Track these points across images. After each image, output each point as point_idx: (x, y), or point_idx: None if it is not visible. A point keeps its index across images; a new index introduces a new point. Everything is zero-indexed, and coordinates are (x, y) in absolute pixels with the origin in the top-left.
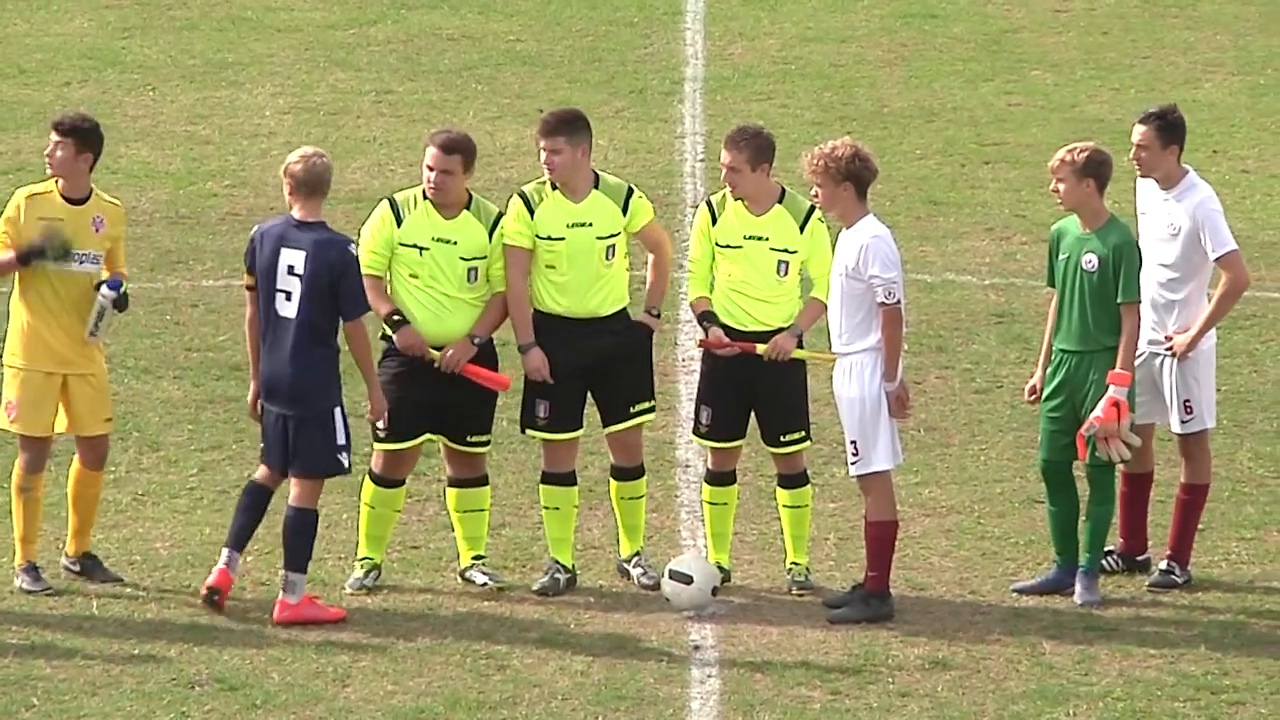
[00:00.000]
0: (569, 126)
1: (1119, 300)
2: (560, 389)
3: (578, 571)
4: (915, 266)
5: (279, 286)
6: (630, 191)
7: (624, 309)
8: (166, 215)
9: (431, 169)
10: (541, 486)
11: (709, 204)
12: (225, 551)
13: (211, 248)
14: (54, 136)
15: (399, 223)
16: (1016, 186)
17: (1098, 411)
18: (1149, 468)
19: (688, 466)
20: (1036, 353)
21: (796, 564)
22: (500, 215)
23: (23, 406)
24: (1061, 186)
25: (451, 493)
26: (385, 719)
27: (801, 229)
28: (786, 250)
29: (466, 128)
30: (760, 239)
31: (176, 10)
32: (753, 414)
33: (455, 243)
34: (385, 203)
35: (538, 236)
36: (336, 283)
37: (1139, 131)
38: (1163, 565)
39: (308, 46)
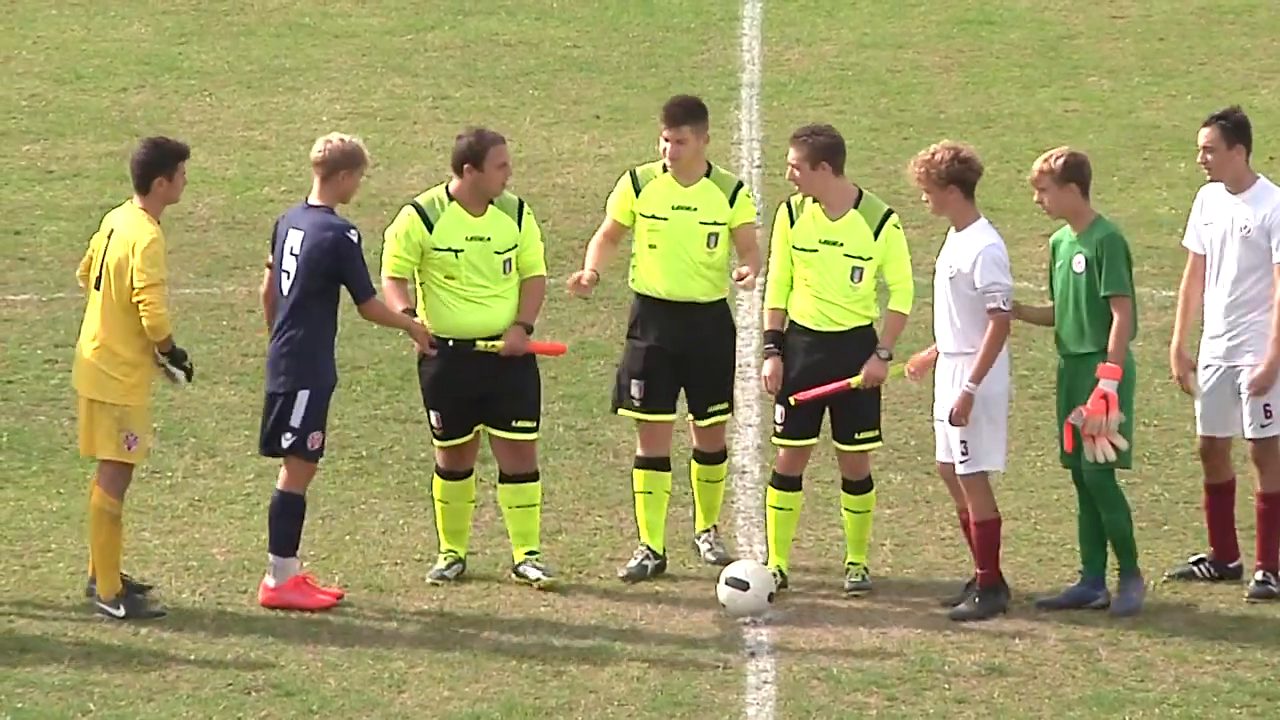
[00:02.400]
0: (693, 115)
1: (1103, 293)
2: (654, 370)
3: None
4: None
5: (284, 267)
6: (740, 186)
7: (723, 299)
8: (223, 220)
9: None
10: (635, 471)
11: (788, 206)
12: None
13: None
14: (184, 166)
15: (430, 228)
16: None
17: (1087, 404)
18: (1227, 477)
19: (744, 472)
20: None
21: (855, 563)
22: (521, 203)
23: (143, 438)
24: (1046, 198)
25: (502, 488)
26: None
27: (876, 235)
28: (860, 257)
29: (523, 134)
30: (835, 244)
31: (234, 16)
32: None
33: (489, 239)
34: (410, 208)
35: (641, 214)
36: (339, 268)
37: (1204, 134)
38: (1259, 576)
39: (365, 52)
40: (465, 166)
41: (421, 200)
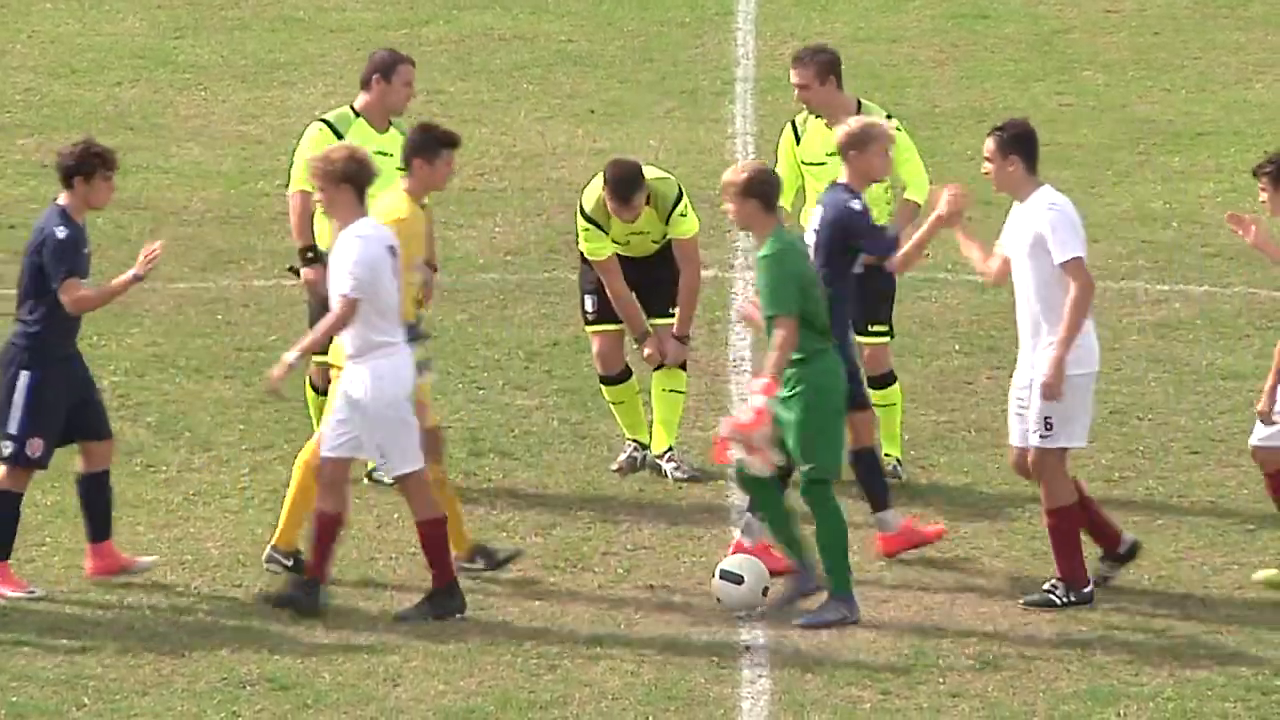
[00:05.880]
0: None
1: (767, 313)
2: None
3: (630, 570)
4: (968, 267)
5: None
6: (679, 198)
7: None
8: (218, 215)
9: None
10: (603, 388)
11: (793, 124)
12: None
13: (263, 247)
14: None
15: (339, 139)
16: (1068, 187)
17: (740, 416)
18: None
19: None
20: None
21: (889, 455)
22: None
23: None
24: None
25: None
26: (436, 719)
27: None
28: None
29: (518, 127)
30: None
31: (228, 10)
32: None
33: (392, 155)
34: (319, 122)
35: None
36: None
37: (985, 144)
38: (1046, 585)
39: (360, 46)
40: (375, 78)
41: (330, 116)
